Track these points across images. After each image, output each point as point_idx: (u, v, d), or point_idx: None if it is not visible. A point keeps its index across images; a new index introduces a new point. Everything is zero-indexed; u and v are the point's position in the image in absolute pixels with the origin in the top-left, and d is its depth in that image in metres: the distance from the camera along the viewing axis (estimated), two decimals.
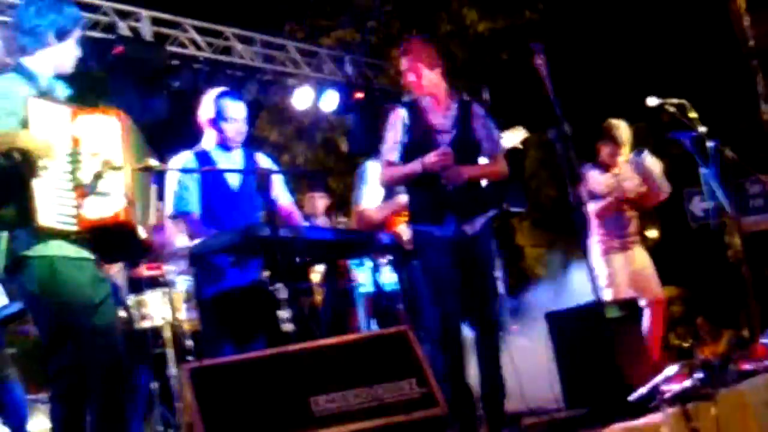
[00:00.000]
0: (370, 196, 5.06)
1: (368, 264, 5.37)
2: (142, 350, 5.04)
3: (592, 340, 4.03)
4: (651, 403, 3.54)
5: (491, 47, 11.75)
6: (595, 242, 5.58)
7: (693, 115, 4.94)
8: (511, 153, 5.16)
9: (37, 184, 2.91)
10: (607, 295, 5.24)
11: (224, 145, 4.23)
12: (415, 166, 4.05)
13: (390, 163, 4.19)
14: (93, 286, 3.07)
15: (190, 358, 4.95)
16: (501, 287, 7.39)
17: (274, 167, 4.58)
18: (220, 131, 4.21)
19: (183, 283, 5.20)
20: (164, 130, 7.31)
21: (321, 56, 9.19)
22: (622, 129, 5.61)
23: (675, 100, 5.03)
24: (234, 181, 4.18)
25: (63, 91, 3.25)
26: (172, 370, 4.95)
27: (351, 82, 9.19)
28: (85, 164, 3.00)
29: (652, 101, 4.99)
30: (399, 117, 4.17)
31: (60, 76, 3.26)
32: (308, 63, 8.95)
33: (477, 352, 4.08)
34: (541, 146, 11.66)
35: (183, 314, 5.16)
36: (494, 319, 4.10)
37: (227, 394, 2.80)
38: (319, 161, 12.89)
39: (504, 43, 11.58)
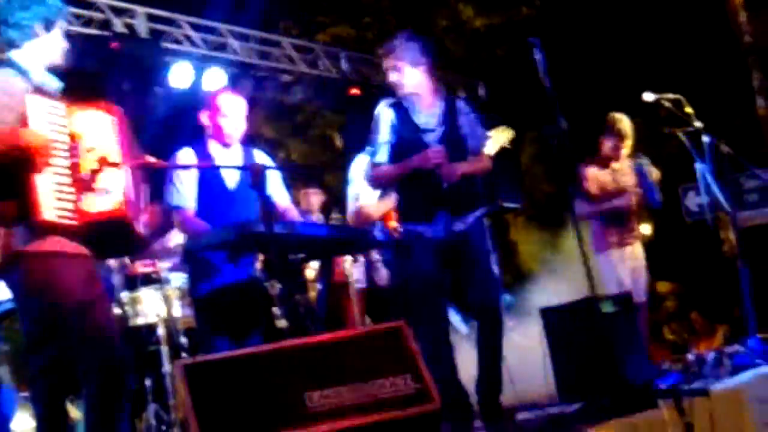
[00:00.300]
0: (368, 192, 5.05)
1: (362, 260, 5.38)
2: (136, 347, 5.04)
3: (587, 336, 4.03)
4: (645, 398, 3.54)
5: (488, 43, 11.76)
6: (591, 237, 5.58)
7: (689, 110, 4.95)
8: (503, 152, 5.17)
9: (37, 180, 2.90)
10: (603, 291, 5.24)
11: (223, 141, 4.21)
12: (406, 165, 4.05)
13: (379, 165, 4.18)
14: (88, 283, 3.06)
15: (184, 355, 4.94)
16: None
17: (271, 164, 4.58)
18: (218, 127, 4.20)
19: (177, 279, 5.19)
20: (159, 126, 7.31)
21: (316, 52, 9.17)
22: (625, 122, 5.61)
23: (671, 96, 5.04)
24: (231, 177, 4.16)
25: (55, 84, 3.24)
26: (167, 367, 4.94)
27: (346, 78, 9.18)
28: (83, 160, 3.00)
29: (648, 97, 5.00)
30: (385, 117, 4.16)
31: (51, 70, 3.25)
32: (303, 59, 8.94)
33: (477, 344, 4.07)
34: (536, 141, 11.67)
35: (177, 311, 5.16)
36: (496, 310, 4.08)
37: (222, 391, 2.79)
38: (314, 157, 12.89)
39: (500, 38, 11.59)
